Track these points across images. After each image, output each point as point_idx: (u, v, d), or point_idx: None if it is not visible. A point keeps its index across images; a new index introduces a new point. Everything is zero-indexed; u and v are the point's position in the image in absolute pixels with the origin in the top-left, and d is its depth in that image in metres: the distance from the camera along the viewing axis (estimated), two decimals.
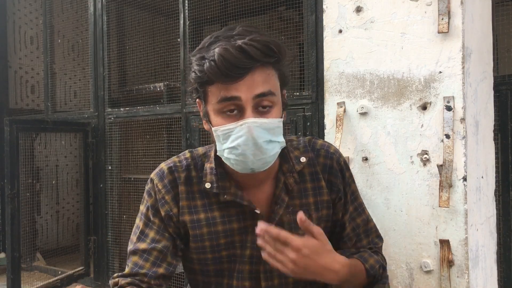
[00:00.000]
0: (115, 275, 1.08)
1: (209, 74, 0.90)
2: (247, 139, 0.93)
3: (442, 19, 1.28)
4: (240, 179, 1.06)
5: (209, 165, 1.07)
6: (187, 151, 1.13)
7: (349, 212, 1.13)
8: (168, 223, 1.06)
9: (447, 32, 1.27)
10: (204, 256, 1.07)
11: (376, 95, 1.41)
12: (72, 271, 2.85)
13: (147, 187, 1.10)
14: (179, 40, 2.49)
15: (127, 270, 1.07)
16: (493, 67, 1.57)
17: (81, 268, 2.89)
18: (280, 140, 0.98)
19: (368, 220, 1.17)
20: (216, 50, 0.89)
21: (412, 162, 1.34)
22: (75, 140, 3.48)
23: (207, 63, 0.90)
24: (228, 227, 1.06)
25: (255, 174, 1.02)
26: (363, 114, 1.43)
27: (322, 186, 1.10)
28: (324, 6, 1.53)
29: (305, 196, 1.09)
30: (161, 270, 1.04)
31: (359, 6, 1.45)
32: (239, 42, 0.89)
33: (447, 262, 1.26)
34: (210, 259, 1.07)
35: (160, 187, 1.07)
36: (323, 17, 1.53)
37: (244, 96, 0.92)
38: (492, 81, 1.56)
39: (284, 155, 1.08)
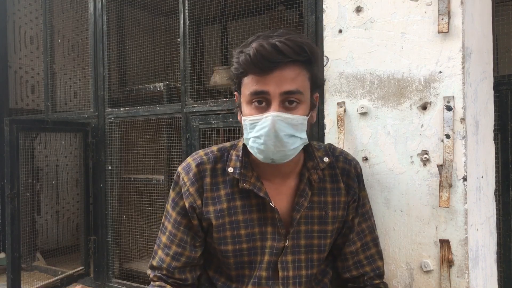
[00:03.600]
0: (150, 264, 1.19)
1: (243, 65, 0.99)
2: (269, 130, 0.98)
3: (442, 19, 1.28)
4: (264, 171, 1.12)
5: (235, 153, 1.14)
6: (214, 146, 1.20)
7: (359, 217, 1.20)
8: (191, 215, 1.13)
9: (447, 32, 1.27)
10: (226, 247, 1.12)
11: (376, 95, 1.41)
12: (72, 271, 2.85)
13: (173, 181, 1.18)
14: (179, 40, 2.49)
15: (154, 262, 1.17)
16: (493, 67, 1.57)
17: (81, 268, 2.88)
18: (302, 136, 1.03)
19: (374, 229, 1.24)
20: (253, 45, 0.98)
21: (412, 162, 1.34)
22: (75, 140, 3.48)
23: (243, 56, 0.99)
24: (248, 217, 1.11)
25: (278, 167, 1.09)
26: (363, 114, 1.43)
27: (341, 188, 1.17)
28: (324, 6, 1.53)
29: (324, 195, 1.15)
30: (180, 264, 1.13)
31: (359, 6, 1.45)
32: (275, 40, 0.97)
33: (447, 262, 1.26)
34: (230, 251, 1.12)
35: (185, 180, 1.13)
36: (323, 17, 1.53)
37: (272, 91, 0.98)
38: (492, 81, 1.56)
39: (309, 153, 1.15)
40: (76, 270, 2.87)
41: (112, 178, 2.82)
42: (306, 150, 1.15)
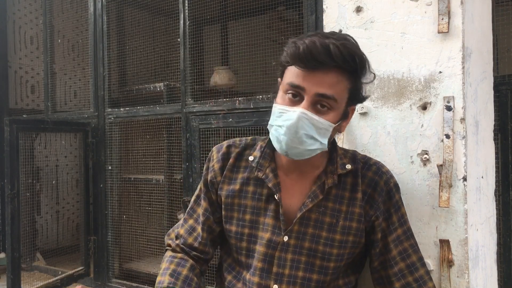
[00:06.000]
0: (173, 233, 1.24)
1: (291, 56, 0.99)
2: (292, 124, 1.00)
3: (442, 19, 1.28)
4: (283, 163, 1.14)
5: (260, 143, 1.20)
6: (251, 136, 1.26)
7: (397, 235, 1.13)
8: (211, 189, 1.21)
9: (447, 32, 1.27)
10: (230, 227, 1.17)
11: (376, 95, 1.41)
12: (72, 271, 2.85)
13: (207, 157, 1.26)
14: (179, 40, 2.49)
15: (182, 229, 1.23)
16: (493, 67, 1.57)
17: (81, 268, 2.89)
18: (323, 141, 1.03)
19: (418, 248, 1.16)
20: (307, 40, 0.97)
21: (412, 162, 1.34)
22: (75, 140, 3.48)
23: (294, 48, 0.99)
24: (256, 204, 1.14)
25: (296, 163, 1.11)
26: (363, 114, 1.43)
27: (357, 198, 1.13)
28: (324, 6, 1.53)
29: (340, 203, 1.12)
30: (205, 235, 1.20)
31: (359, 6, 1.45)
32: (330, 41, 0.96)
33: (447, 262, 1.26)
34: (233, 232, 1.16)
35: (214, 157, 1.22)
36: (323, 17, 1.53)
37: (308, 89, 0.99)
38: (492, 81, 1.56)
39: (332, 158, 1.14)
40: (76, 270, 2.87)
41: (112, 178, 2.82)
42: (330, 155, 1.14)
